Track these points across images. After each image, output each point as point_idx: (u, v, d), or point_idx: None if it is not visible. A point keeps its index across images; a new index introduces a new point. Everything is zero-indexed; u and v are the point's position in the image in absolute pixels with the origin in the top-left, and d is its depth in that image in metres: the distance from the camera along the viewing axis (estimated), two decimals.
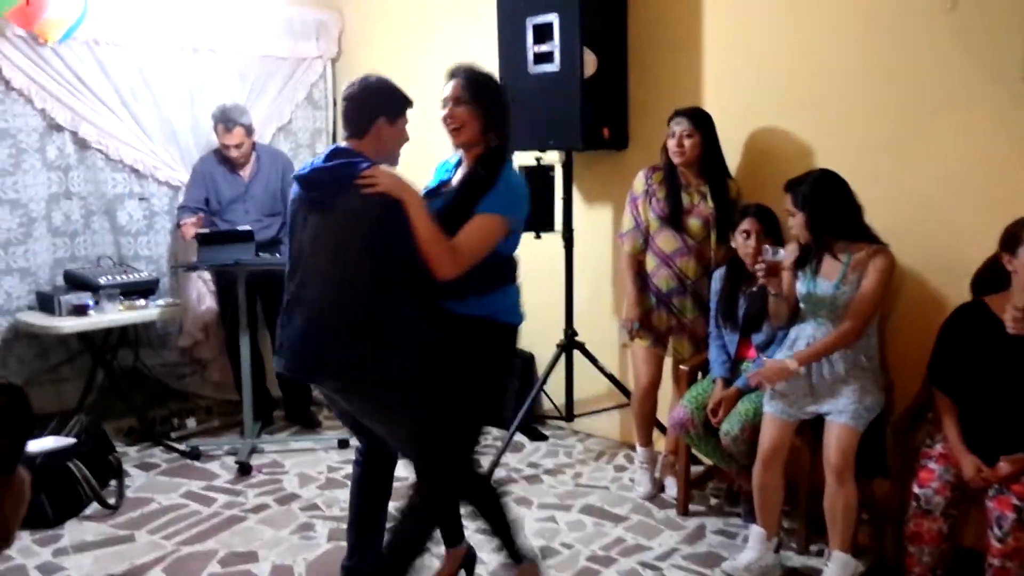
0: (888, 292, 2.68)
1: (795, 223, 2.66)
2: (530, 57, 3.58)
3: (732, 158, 3.33)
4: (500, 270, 2.37)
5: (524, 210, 2.37)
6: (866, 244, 2.62)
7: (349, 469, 3.66)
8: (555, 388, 3.87)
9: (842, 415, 2.57)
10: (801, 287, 2.71)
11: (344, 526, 2.94)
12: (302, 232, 2.29)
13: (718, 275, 3.11)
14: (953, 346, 2.51)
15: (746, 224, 2.96)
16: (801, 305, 2.74)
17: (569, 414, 3.87)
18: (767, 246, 2.71)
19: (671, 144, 3.17)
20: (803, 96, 3.20)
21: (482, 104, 2.33)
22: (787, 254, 2.72)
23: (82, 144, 4.08)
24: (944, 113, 2.85)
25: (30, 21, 3.70)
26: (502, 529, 2.53)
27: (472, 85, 2.34)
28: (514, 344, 2.49)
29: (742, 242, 2.96)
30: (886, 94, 2.98)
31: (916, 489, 2.44)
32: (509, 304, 2.42)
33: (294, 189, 2.34)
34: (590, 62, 3.47)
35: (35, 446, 3.32)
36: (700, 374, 3.23)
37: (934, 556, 2.41)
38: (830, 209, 2.60)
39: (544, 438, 4.07)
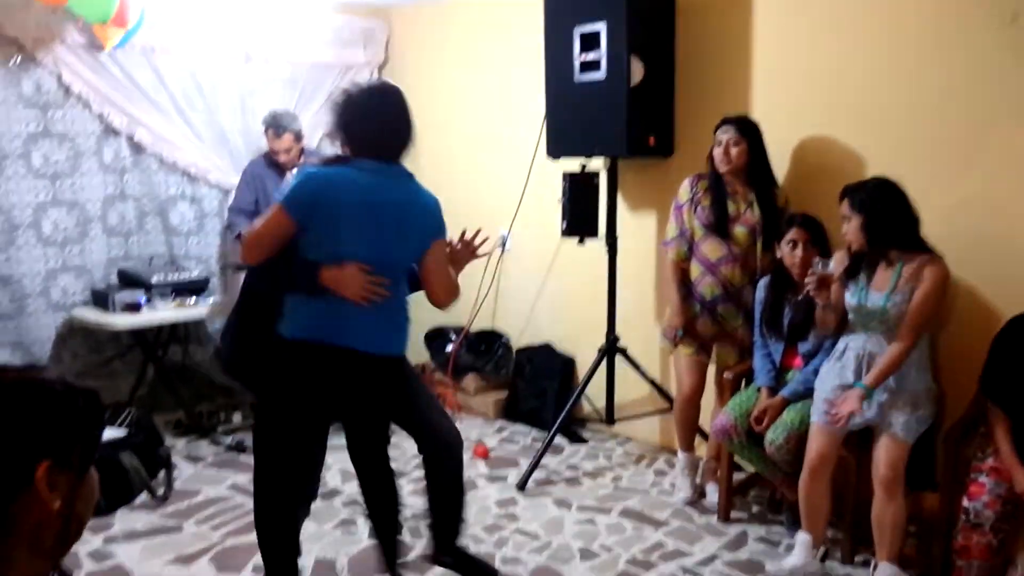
0: (942, 303, 2.65)
1: (850, 228, 2.63)
2: (576, 66, 3.61)
3: (780, 167, 3.33)
4: (293, 274, 2.29)
5: (297, 194, 2.25)
6: (919, 254, 2.58)
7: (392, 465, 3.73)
8: (596, 392, 3.89)
9: (893, 427, 2.55)
10: (851, 298, 2.69)
11: None
12: None
13: (763, 284, 3.10)
14: (1007, 358, 2.48)
15: (792, 234, 2.95)
16: (850, 316, 2.73)
17: (610, 418, 3.88)
18: (817, 258, 2.70)
19: (717, 152, 3.18)
20: (853, 105, 3.19)
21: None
22: (836, 264, 2.71)
23: (137, 148, 4.21)
24: (998, 125, 2.83)
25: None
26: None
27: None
28: (289, 361, 2.30)
29: (788, 252, 2.96)
30: (938, 105, 2.96)
31: (966, 502, 2.41)
32: (288, 314, 2.32)
33: None
34: (637, 70, 3.49)
35: None
36: (744, 382, 3.22)
37: (983, 570, 2.38)
38: (888, 215, 2.57)
39: (584, 441, 4.08)
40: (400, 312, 2.41)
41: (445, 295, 2.42)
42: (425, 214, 2.38)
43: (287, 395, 2.33)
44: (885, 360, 2.58)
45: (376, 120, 2.31)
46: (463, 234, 2.49)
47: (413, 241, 2.35)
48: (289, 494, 2.46)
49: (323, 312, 2.27)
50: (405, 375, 2.56)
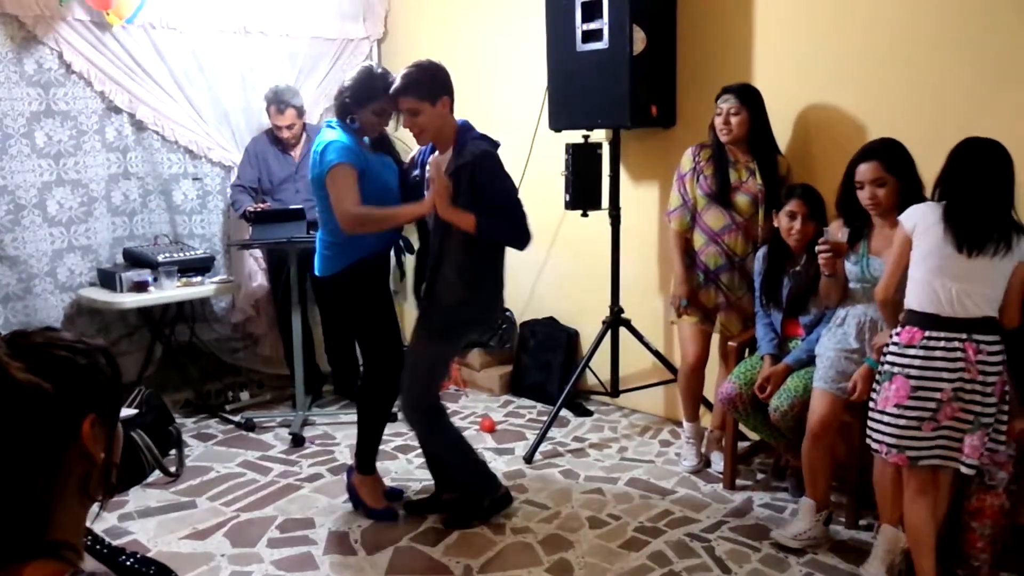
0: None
1: (880, 193, 2.59)
2: (578, 36, 3.59)
3: (783, 134, 3.32)
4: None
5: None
6: None
7: (398, 442, 3.81)
8: (600, 364, 3.91)
9: None
10: (853, 266, 2.70)
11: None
12: None
13: (761, 254, 3.11)
14: None
15: (791, 205, 2.94)
16: (852, 285, 2.74)
17: (614, 390, 3.91)
18: (827, 228, 2.68)
19: (718, 122, 3.17)
20: (856, 71, 3.17)
21: None
22: (834, 233, 2.71)
23: (139, 126, 4.20)
24: (1005, 89, 2.81)
25: (107, 3, 3.82)
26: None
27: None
28: None
29: (786, 223, 2.95)
30: (946, 69, 2.95)
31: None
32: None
33: None
34: (639, 39, 3.47)
35: None
36: (748, 351, 3.25)
37: (996, 531, 2.41)
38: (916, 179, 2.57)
39: (589, 413, 4.12)
40: (321, 241, 2.96)
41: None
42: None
43: None
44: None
45: None
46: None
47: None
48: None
49: None
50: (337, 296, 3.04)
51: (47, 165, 3.90)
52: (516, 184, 2.91)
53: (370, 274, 2.97)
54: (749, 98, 3.15)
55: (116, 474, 1.03)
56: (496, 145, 2.82)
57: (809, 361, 2.88)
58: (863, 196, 2.62)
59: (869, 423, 2.42)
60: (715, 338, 3.41)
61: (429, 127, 2.74)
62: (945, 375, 2.25)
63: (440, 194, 2.65)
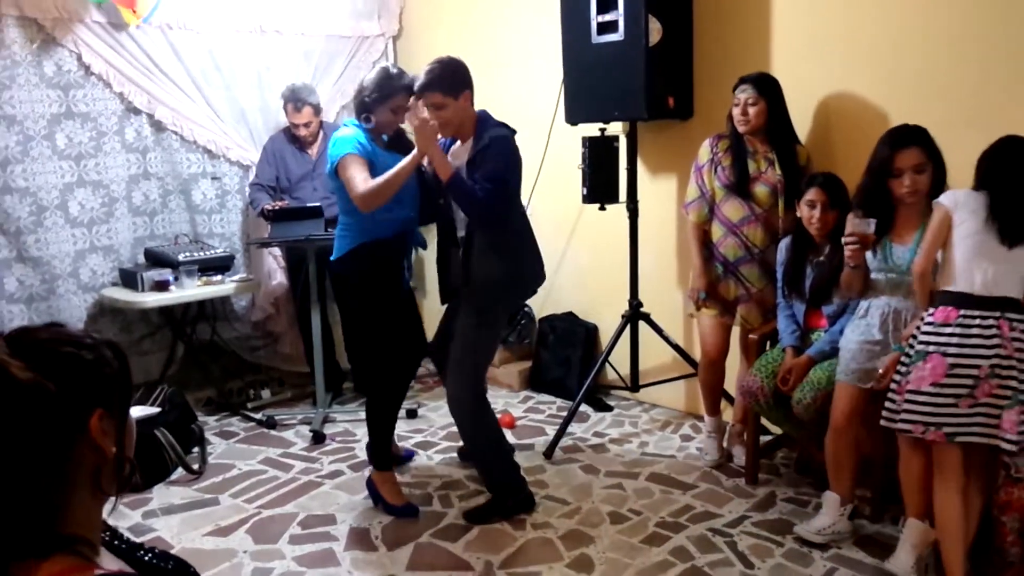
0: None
1: (920, 180, 2.56)
2: (594, 27, 3.57)
3: (803, 124, 3.28)
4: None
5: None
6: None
7: (419, 438, 3.81)
8: (620, 359, 3.89)
9: None
10: (874, 257, 2.66)
11: (416, 492, 3.19)
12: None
13: (784, 245, 3.07)
14: None
15: (811, 194, 2.91)
16: (875, 275, 2.69)
17: (634, 384, 3.88)
18: (855, 218, 2.61)
19: (735, 112, 3.13)
20: (876, 60, 3.13)
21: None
22: (850, 224, 2.67)
23: (158, 126, 4.23)
24: None
25: (132, 1, 3.86)
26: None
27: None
28: None
29: (807, 212, 2.92)
30: (967, 58, 2.90)
31: (1006, 457, 2.39)
32: None
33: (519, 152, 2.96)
34: (655, 30, 3.44)
35: None
36: (769, 343, 3.21)
37: None
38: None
39: (609, 408, 4.10)
40: (339, 225, 3.10)
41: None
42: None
43: None
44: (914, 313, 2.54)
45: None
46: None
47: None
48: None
49: None
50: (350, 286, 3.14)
51: (68, 167, 3.94)
52: (520, 178, 2.99)
53: (383, 260, 3.04)
54: (767, 87, 3.11)
55: (130, 468, 1.03)
56: (513, 132, 2.96)
57: (832, 353, 2.84)
58: (902, 184, 2.58)
59: (893, 407, 2.39)
60: (735, 331, 3.38)
61: (453, 120, 2.88)
62: (982, 352, 2.27)
63: (421, 131, 2.76)
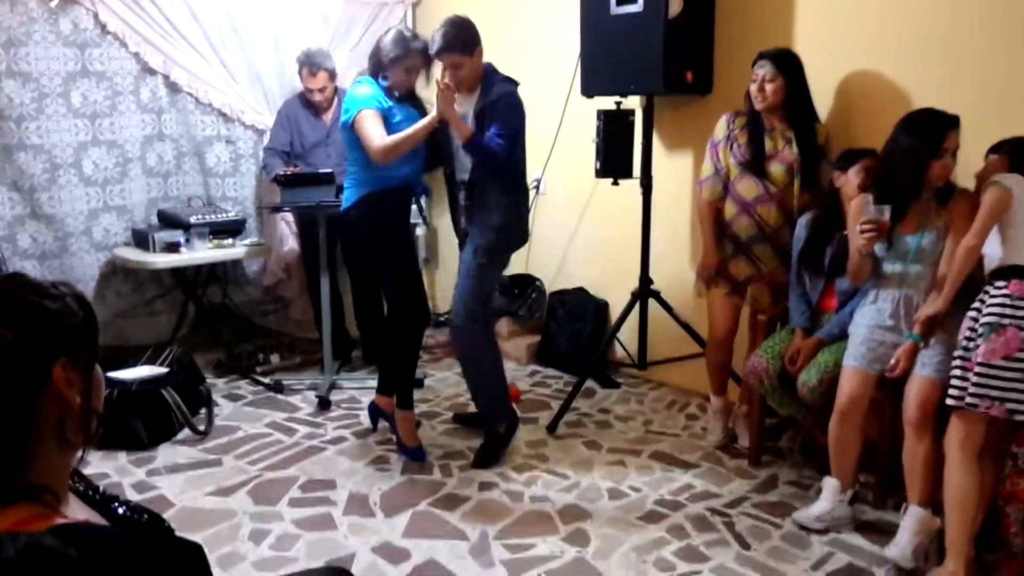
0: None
1: (953, 164, 2.52)
2: None
3: (824, 102, 3.20)
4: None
5: None
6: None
7: (424, 408, 3.81)
8: (628, 335, 3.86)
9: (926, 367, 2.48)
10: (881, 247, 2.61)
11: (419, 463, 3.23)
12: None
13: (804, 221, 3.00)
14: None
15: (868, 161, 2.81)
16: (883, 264, 2.64)
17: (642, 362, 3.85)
18: (871, 205, 2.55)
19: (753, 89, 3.07)
20: (903, 39, 3.04)
21: None
22: (857, 208, 2.62)
23: (173, 87, 4.22)
24: None
25: None
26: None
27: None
28: None
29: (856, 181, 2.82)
30: (997, 41, 2.80)
31: (1014, 447, 2.34)
32: None
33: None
34: (675, 2, 3.36)
35: (131, 374, 3.52)
36: (778, 324, 3.16)
37: None
38: None
39: (616, 385, 4.07)
40: (348, 176, 3.28)
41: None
42: None
43: None
44: (952, 274, 2.47)
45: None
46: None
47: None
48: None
49: None
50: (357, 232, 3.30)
51: (83, 125, 3.95)
52: (525, 129, 3.12)
53: (389, 208, 3.20)
54: (786, 64, 3.03)
55: (97, 420, 1.02)
56: (516, 84, 3.11)
57: (841, 336, 2.80)
58: (942, 166, 2.51)
59: (963, 384, 2.32)
60: (745, 311, 3.33)
61: (469, 77, 3.03)
62: None
63: (444, 96, 2.90)
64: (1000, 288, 2.31)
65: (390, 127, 3.09)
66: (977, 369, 2.29)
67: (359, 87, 3.15)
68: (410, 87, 3.25)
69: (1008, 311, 2.27)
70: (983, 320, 2.31)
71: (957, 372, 2.36)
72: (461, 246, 3.32)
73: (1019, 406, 2.24)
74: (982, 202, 2.40)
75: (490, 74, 3.09)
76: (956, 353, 2.39)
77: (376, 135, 3.04)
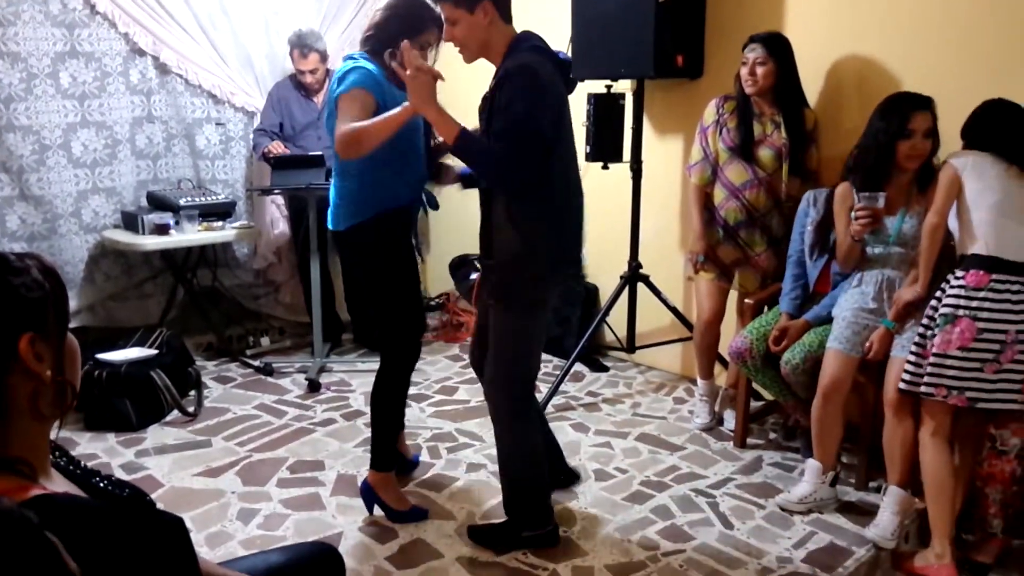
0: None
1: (926, 145, 2.55)
2: None
3: (812, 87, 3.21)
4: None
5: None
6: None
7: (412, 391, 3.77)
8: (618, 320, 3.88)
9: (905, 350, 2.50)
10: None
11: (407, 443, 3.16)
12: (568, 122, 2.39)
13: (815, 197, 2.93)
14: None
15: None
16: (868, 248, 2.66)
17: (631, 346, 3.87)
18: (864, 193, 2.55)
19: (743, 72, 3.07)
20: (893, 24, 3.04)
21: None
22: (841, 198, 2.64)
23: (163, 69, 4.20)
24: None
25: None
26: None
27: None
28: None
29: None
30: (986, 28, 2.81)
31: (992, 429, 2.37)
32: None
33: (558, 82, 2.33)
34: None
35: (120, 355, 3.53)
36: (765, 308, 3.18)
37: (1007, 497, 2.36)
38: None
39: (605, 369, 4.10)
40: (336, 189, 2.64)
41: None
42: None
43: None
44: (922, 258, 2.50)
45: None
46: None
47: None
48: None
49: None
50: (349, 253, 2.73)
51: (72, 106, 3.93)
52: (556, 121, 2.28)
53: (393, 232, 2.62)
54: (777, 48, 3.04)
55: (71, 392, 1.03)
56: (547, 55, 2.31)
57: (829, 319, 2.82)
58: (911, 147, 2.53)
59: (918, 370, 2.37)
60: (732, 295, 3.35)
61: (469, 40, 2.30)
62: (1011, 316, 2.27)
63: (413, 82, 2.22)
64: (959, 278, 2.34)
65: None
66: (932, 359, 2.33)
67: (356, 64, 2.52)
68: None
69: (963, 302, 2.30)
70: (941, 310, 2.35)
71: (912, 358, 2.41)
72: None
73: (979, 394, 2.29)
74: (938, 181, 2.45)
75: (515, 45, 2.29)
76: (914, 340, 2.43)
77: (351, 117, 2.40)
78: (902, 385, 2.42)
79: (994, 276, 2.28)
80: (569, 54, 2.39)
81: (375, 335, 3.05)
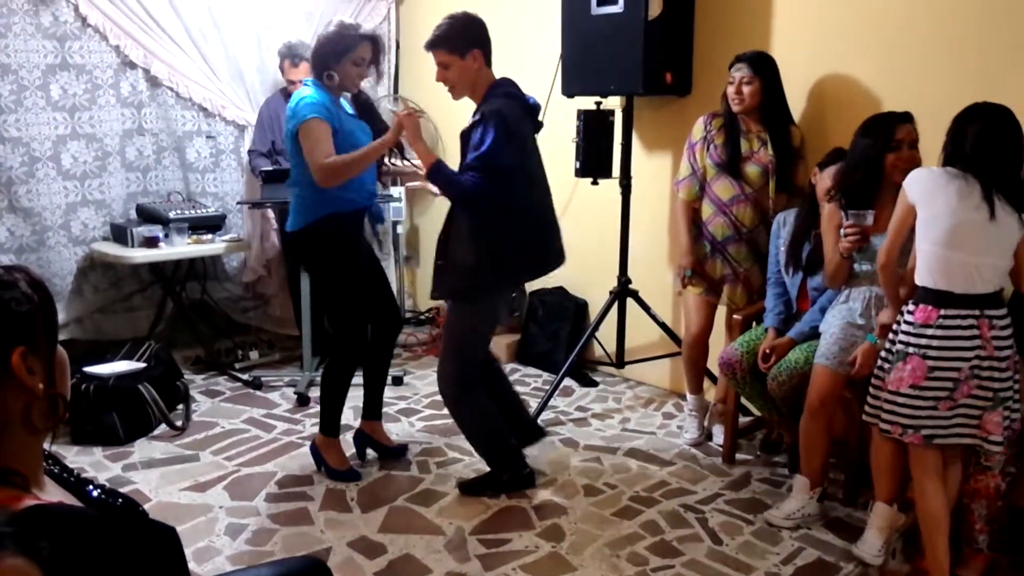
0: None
1: (913, 155, 2.57)
2: None
3: (798, 105, 3.25)
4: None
5: None
6: None
7: (402, 405, 3.82)
8: (607, 335, 3.89)
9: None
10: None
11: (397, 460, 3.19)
12: (534, 155, 2.85)
13: (784, 219, 3.02)
14: None
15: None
16: (855, 266, 2.68)
17: (620, 361, 3.89)
18: (852, 211, 2.57)
19: (730, 91, 3.11)
20: (877, 43, 3.09)
21: None
22: (830, 213, 2.66)
23: (154, 82, 4.21)
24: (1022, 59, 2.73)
25: None
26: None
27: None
28: None
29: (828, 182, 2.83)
30: (967, 45, 2.86)
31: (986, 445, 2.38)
32: None
33: (524, 123, 2.78)
34: (655, 3, 3.40)
35: (108, 368, 3.51)
36: (753, 323, 3.21)
37: (991, 511, 2.38)
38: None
39: (594, 384, 4.10)
40: (293, 196, 2.98)
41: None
42: None
43: None
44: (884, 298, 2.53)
45: None
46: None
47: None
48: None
49: None
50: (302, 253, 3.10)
51: (62, 118, 3.93)
52: (521, 155, 2.73)
53: (339, 233, 2.94)
54: (763, 67, 3.08)
55: (64, 404, 1.03)
56: (518, 100, 2.75)
57: (812, 335, 2.84)
58: (897, 157, 2.56)
59: (877, 403, 2.38)
60: (721, 311, 3.37)
61: (460, 81, 2.73)
62: (963, 353, 2.22)
63: (406, 123, 2.74)
64: (910, 312, 2.30)
65: (342, 138, 2.83)
66: (887, 396, 2.33)
67: (303, 90, 2.87)
68: (367, 98, 3.09)
69: (912, 339, 2.27)
70: (895, 347, 2.33)
71: (872, 391, 2.40)
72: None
73: (935, 431, 2.26)
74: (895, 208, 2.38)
75: (493, 89, 2.72)
76: (875, 371, 2.42)
77: (322, 150, 2.75)
78: (865, 417, 2.42)
79: (942, 312, 2.22)
80: (539, 100, 2.77)
81: (328, 332, 3.29)
